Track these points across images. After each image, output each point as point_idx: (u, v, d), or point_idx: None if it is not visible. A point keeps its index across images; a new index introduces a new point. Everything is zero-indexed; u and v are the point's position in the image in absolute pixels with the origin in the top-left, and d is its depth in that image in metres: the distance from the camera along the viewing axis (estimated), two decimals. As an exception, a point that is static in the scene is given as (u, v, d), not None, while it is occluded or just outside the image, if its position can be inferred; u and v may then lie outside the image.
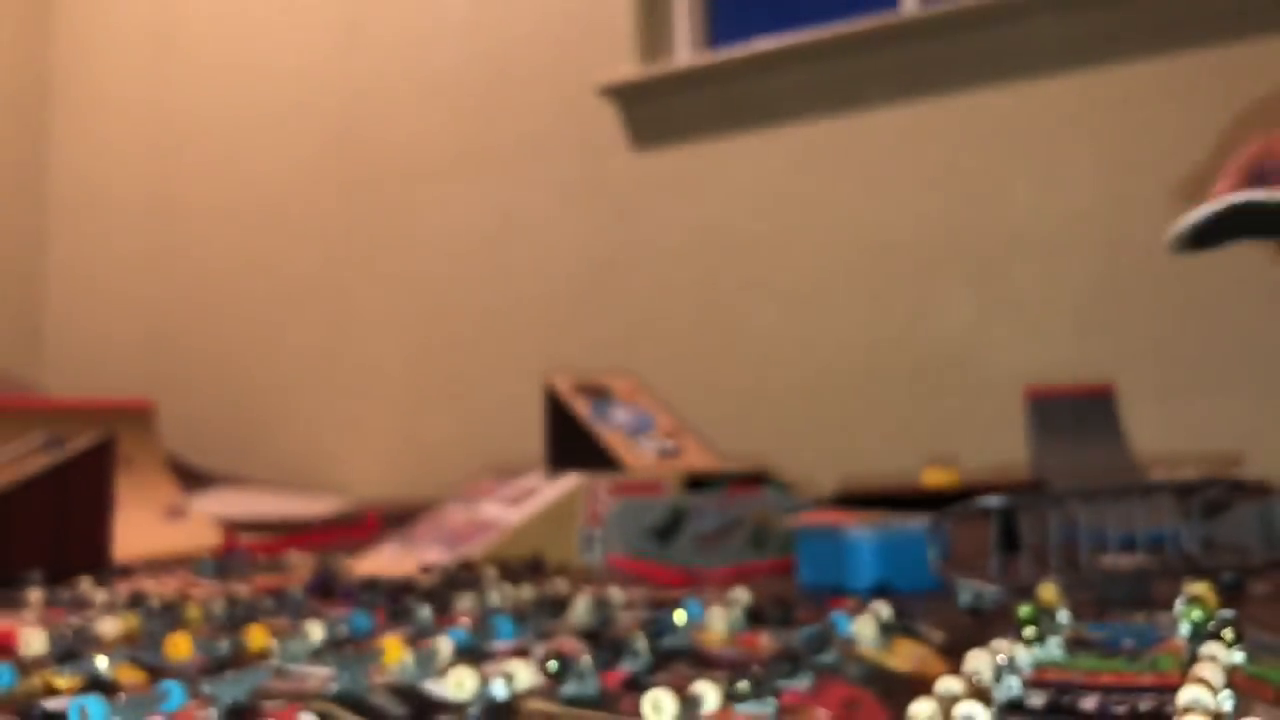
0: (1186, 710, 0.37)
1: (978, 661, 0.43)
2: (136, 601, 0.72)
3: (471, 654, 0.52)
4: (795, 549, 0.85)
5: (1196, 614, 0.51)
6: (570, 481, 1.06)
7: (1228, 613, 0.50)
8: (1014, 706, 0.42)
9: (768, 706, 0.41)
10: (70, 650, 0.55)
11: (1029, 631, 0.48)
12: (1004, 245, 1.88)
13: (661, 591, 0.73)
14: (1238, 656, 0.45)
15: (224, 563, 0.97)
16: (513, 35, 2.39)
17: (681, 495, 1.04)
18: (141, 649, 0.55)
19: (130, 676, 0.51)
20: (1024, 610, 0.52)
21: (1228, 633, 0.47)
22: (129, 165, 2.99)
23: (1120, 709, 0.41)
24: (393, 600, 0.66)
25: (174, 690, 0.41)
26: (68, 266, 3.09)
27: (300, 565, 1.02)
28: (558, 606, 0.63)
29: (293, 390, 2.66)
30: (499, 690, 0.42)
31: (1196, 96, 1.73)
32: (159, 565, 1.04)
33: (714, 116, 2.14)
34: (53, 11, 3.17)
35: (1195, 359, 1.73)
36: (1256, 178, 0.68)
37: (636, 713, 0.39)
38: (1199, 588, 0.57)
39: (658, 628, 0.53)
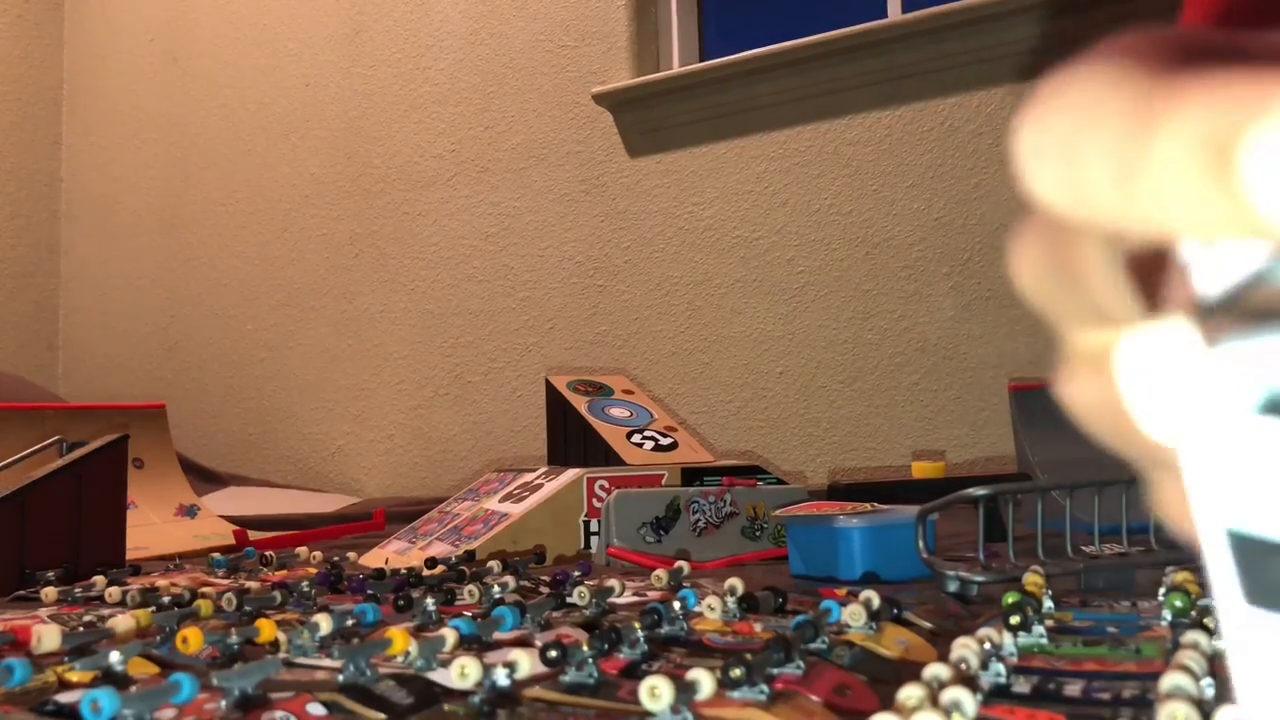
0: (1168, 696, 0.38)
1: (964, 648, 0.44)
2: (149, 598, 0.73)
3: (475, 643, 0.53)
4: (786, 540, 0.86)
5: (1179, 602, 0.52)
6: (571, 476, 1.07)
7: (1209, 601, 0.51)
8: (1000, 692, 0.43)
9: (760, 692, 0.41)
10: (83, 645, 0.56)
11: (1014, 619, 0.48)
12: (984, 243, 1.90)
13: (657, 584, 0.74)
14: (1219, 644, 0.46)
15: (235, 559, 0.98)
16: (512, 46, 2.40)
17: (678, 488, 1.05)
18: (154, 643, 0.56)
19: (142, 670, 0.52)
20: (1010, 598, 0.52)
21: (1209, 620, 0.48)
22: (139, 175, 3.01)
23: (1104, 695, 0.41)
24: (398, 592, 0.67)
25: (185, 682, 0.42)
26: (80, 275, 3.11)
27: (309, 561, 1.03)
28: (558, 597, 0.64)
29: (301, 392, 2.67)
30: (501, 678, 0.43)
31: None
32: (171, 563, 1.05)
33: (706, 122, 2.16)
34: (64, 25, 3.18)
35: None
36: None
37: (634, 699, 0.40)
38: (1181, 576, 0.57)
39: (655, 617, 0.54)
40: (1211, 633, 0.47)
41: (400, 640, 0.48)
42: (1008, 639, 0.47)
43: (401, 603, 0.65)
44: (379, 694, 0.44)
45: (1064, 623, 0.54)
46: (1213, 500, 0.13)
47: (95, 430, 1.07)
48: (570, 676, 0.45)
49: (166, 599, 0.71)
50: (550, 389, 1.32)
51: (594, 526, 1.05)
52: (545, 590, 0.71)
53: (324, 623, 0.54)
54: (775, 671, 0.44)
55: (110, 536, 1.00)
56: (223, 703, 0.42)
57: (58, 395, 2.82)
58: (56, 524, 0.94)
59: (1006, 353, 1.86)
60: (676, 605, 0.56)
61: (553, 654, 0.45)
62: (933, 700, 0.37)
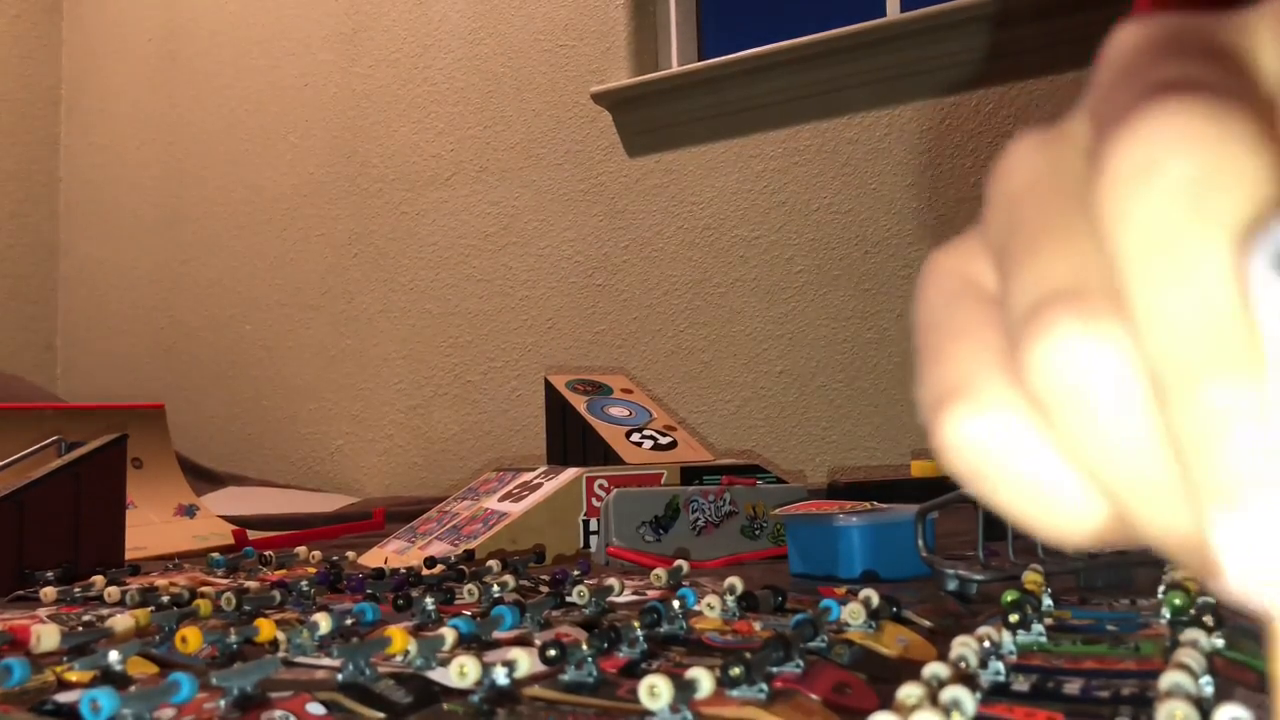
0: (1168, 694, 0.38)
1: (964, 647, 0.44)
2: (148, 597, 0.73)
3: (474, 642, 0.53)
4: (785, 539, 0.86)
5: (1178, 600, 0.52)
6: (570, 475, 1.07)
7: (1208, 599, 0.51)
8: (999, 690, 0.43)
9: (760, 691, 0.41)
10: (82, 645, 0.56)
11: (1014, 617, 0.48)
12: (986, 242, 1.90)
13: (657, 583, 0.74)
14: (1218, 642, 0.46)
15: (234, 559, 0.98)
16: (511, 46, 2.40)
17: (677, 487, 1.05)
18: (153, 643, 0.56)
19: (142, 669, 0.52)
20: (1009, 597, 0.52)
21: (1209, 618, 0.48)
22: (138, 176, 3.01)
23: (1103, 693, 0.41)
24: (398, 592, 0.67)
25: (184, 682, 0.42)
26: (79, 274, 3.11)
27: (308, 560, 1.03)
28: (557, 596, 0.64)
29: (300, 392, 2.67)
30: (500, 677, 0.43)
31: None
32: (170, 563, 1.05)
33: (705, 122, 2.16)
34: (63, 25, 3.18)
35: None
36: None
37: (634, 698, 0.39)
38: (1180, 574, 0.57)
39: (654, 616, 0.54)
40: (1211, 630, 0.47)
41: (399, 639, 0.48)
42: (1007, 637, 0.47)
43: (401, 602, 0.65)
44: (378, 693, 0.44)
45: (1063, 621, 0.54)
46: None
47: (94, 430, 1.07)
48: (570, 675, 0.45)
49: (166, 599, 0.70)
50: (549, 388, 1.32)
51: (593, 526, 1.05)
52: (545, 589, 0.71)
53: (323, 622, 0.54)
54: (774, 670, 0.44)
55: (109, 536, 1.00)
56: (222, 702, 0.42)
57: (56, 395, 2.82)
58: (55, 524, 0.94)
59: (1006, 352, 1.86)
60: (676, 604, 0.56)
61: (552, 653, 0.45)
62: (932, 699, 0.37)
